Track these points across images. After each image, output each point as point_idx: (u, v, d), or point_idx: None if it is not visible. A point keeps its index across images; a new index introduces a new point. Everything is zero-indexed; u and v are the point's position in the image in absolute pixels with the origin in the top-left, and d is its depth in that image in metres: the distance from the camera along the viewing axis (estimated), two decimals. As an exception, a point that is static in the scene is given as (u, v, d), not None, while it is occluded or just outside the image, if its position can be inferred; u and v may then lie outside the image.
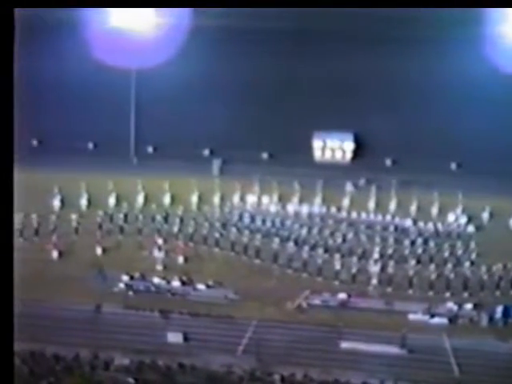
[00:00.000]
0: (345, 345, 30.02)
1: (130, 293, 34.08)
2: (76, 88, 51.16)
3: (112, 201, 44.33)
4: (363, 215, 43.43)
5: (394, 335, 30.30)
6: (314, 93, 50.90)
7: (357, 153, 51.65)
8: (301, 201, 44.64)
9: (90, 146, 53.80)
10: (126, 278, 35.08)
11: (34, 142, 54.74)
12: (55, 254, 38.08)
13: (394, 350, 29.84)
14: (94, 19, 50.59)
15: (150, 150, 53.30)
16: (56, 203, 43.96)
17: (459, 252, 39.10)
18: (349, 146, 51.36)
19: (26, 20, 45.56)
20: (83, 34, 50.16)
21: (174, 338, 30.10)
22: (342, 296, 34.24)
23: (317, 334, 30.73)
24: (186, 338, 30.21)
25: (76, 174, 45.26)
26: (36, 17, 46.81)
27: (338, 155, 51.72)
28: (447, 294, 35.19)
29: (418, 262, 37.63)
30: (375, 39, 48.77)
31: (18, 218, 39.69)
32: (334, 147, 51.46)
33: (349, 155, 51.49)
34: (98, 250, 38.48)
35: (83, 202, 44.27)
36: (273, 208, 44.36)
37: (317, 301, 33.93)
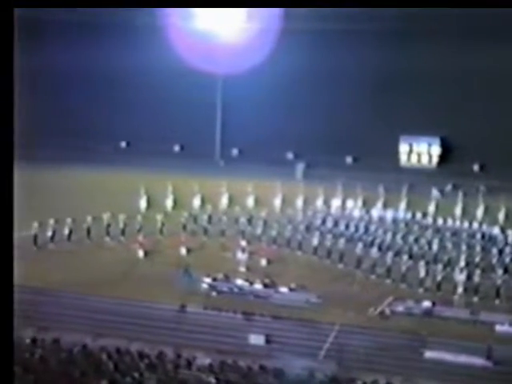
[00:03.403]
0: (429, 354, 29.45)
1: (214, 293, 34.38)
2: (164, 91, 52.23)
3: (197, 202, 44.92)
4: (449, 222, 42.58)
5: (479, 346, 29.53)
6: (401, 96, 50.38)
7: (443, 157, 50.83)
8: (385, 206, 44.15)
9: (177, 148, 54.83)
10: (209, 278, 35.38)
11: (123, 144, 56.19)
12: (141, 253, 38.77)
13: (479, 361, 29.09)
14: (182, 22, 51.53)
15: (235, 152, 53.84)
16: (142, 204, 44.84)
17: (549, 262, 37.84)
18: (435, 150, 50.58)
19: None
20: (171, 37, 51.19)
21: (256, 339, 30.21)
22: (427, 304, 33.60)
23: (400, 341, 30.22)
24: (267, 341, 30.28)
25: (162, 176, 46.12)
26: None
27: (425, 160, 51.04)
28: (536, 305, 34.09)
29: (506, 271, 36.57)
30: (463, 40, 47.93)
31: (105, 218, 40.82)
32: (420, 151, 50.77)
33: (435, 160, 50.73)
34: (183, 251, 38.98)
35: (169, 202, 45.03)
36: (357, 212, 44.01)
37: (400, 308, 33.39)
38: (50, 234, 39.54)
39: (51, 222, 39.70)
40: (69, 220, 39.97)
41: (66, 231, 39.85)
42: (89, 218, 40.45)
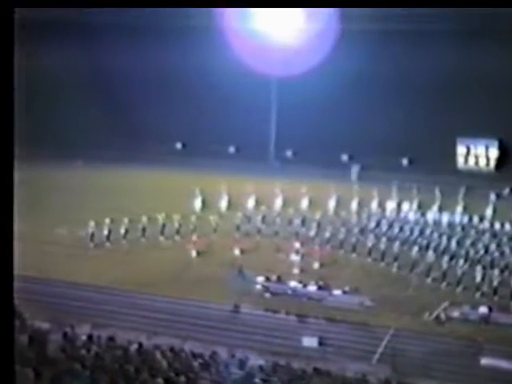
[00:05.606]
0: (485, 361, 28.94)
1: (267, 295, 34.41)
2: (219, 93, 52.49)
3: (251, 203, 45.02)
4: (507, 226, 41.75)
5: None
6: (458, 97, 49.63)
7: (501, 160, 49.93)
8: (441, 209, 43.56)
9: (232, 149, 55.07)
10: (262, 279, 35.42)
11: (178, 145, 56.72)
12: (195, 253, 39.05)
13: (537, 369, 28.50)
14: (238, 23, 51.75)
15: (290, 154, 53.79)
16: (197, 204, 45.15)
17: None
18: (493, 153, 49.72)
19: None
20: (227, 38, 51.47)
21: (309, 342, 30.11)
22: (483, 310, 33.01)
23: (455, 347, 29.77)
24: (320, 343, 30.16)
25: (217, 176, 46.40)
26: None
27: (482, 163, 50.19)
28: None
29: None
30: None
31: (160, 218, 41.26)
32: (477, 154, 49.99)
33: (493, 163, 49.84)
34: (236, 251, 39.13)
35: (223, 203, 45.24)
36: (412, 215, 43.54)
37: (456, 313, 32.88)
38: (106, 233, 40.16)
39: (107, 221, 40.31)
40: (125, 220, 40.51)
41: (122, 231, 40.39)
42: (144, 218, 40.92)
